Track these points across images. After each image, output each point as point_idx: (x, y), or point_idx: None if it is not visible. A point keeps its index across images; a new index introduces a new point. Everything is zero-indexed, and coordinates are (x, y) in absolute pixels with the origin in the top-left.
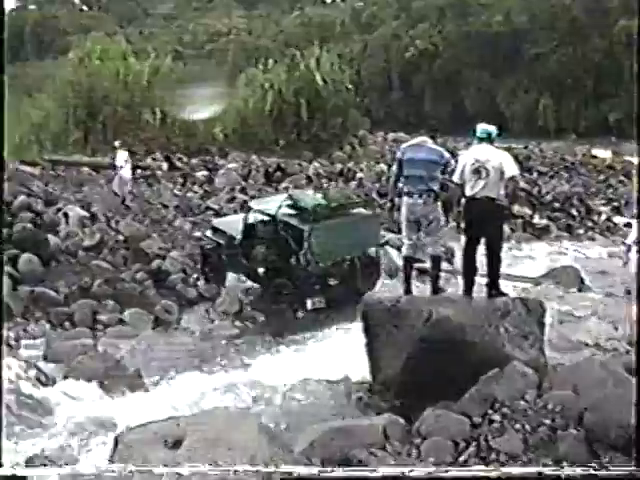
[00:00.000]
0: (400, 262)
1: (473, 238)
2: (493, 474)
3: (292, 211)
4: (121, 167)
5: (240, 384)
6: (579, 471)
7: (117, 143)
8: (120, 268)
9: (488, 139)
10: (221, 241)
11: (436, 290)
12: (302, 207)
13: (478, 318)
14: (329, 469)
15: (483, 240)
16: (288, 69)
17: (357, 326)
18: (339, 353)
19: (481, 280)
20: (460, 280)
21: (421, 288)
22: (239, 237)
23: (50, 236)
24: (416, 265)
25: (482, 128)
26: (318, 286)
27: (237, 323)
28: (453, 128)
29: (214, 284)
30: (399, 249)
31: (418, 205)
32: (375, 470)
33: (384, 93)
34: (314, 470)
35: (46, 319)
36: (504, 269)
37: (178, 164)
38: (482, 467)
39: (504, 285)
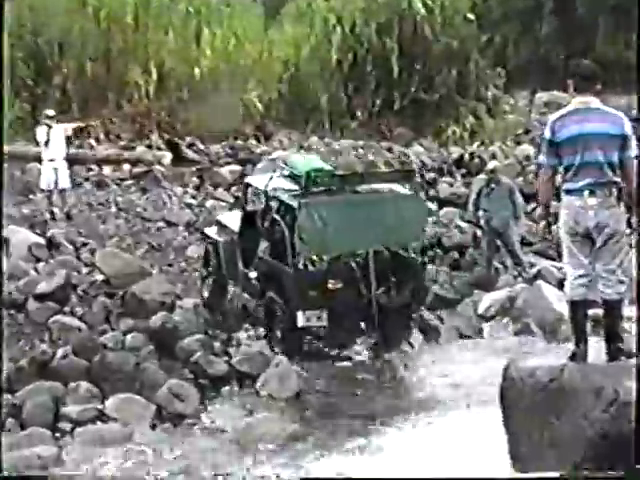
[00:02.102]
0: (560, 307)
1: None
2: None
3: (286, 183)
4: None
5: None
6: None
7: (50, 112)
8: (98, 327)
9: None
10: (220, 239)
11: (616, 354)
12: (296, 175)
13: None
14: None
15: None
16: None
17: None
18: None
19: None
20: None
21: (594, 349)
22: (236, 231)
23: None
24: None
25: None
26: (313, 292)
27: (291, 414)
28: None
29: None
30: (560, 286)
31: (590, 209)
32: None
33: (528, 26)
34: None
35: None
36: None
37: (189, 154)
38: None
39: None
